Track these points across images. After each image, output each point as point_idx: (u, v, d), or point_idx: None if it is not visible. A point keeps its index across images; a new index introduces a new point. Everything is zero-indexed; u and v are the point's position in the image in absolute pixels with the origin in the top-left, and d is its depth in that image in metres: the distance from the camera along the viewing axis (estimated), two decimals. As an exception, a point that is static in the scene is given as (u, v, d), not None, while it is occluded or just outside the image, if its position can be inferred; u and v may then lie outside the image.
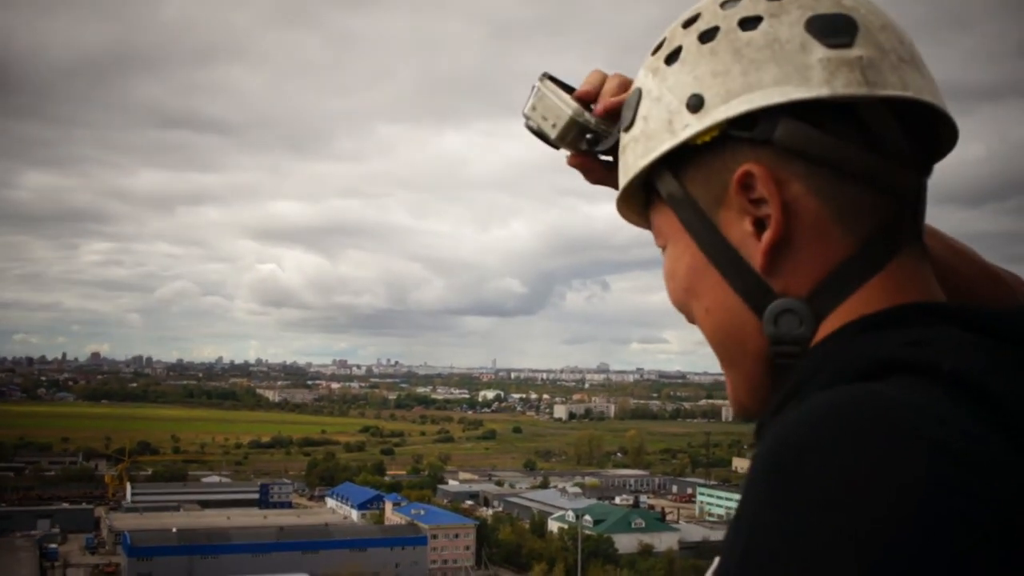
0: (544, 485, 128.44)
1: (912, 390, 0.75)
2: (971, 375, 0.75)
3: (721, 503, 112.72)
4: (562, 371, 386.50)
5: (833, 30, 0.91)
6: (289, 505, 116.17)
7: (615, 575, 77.49)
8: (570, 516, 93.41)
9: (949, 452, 0.69)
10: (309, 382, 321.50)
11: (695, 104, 0.94)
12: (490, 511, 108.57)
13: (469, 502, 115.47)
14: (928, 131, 0.94)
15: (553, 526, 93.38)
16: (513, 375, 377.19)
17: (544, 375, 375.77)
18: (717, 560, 0.86)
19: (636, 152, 0.99)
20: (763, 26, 0.93)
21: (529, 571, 78.82)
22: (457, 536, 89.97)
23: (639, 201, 1.05)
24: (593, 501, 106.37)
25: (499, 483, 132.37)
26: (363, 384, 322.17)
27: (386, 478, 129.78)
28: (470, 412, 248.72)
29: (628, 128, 1.01)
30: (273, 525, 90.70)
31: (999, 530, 0.67)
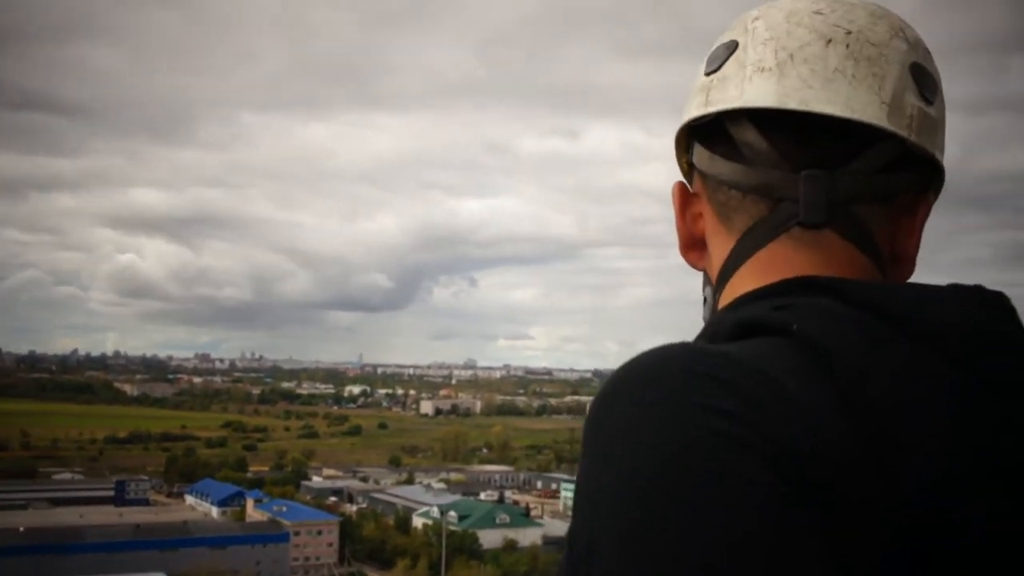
0: (409, 481, 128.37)
1: (751, 345, 0.85)
2: (813, 333, 0.84)
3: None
4: (429, 367, 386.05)
5: (712, 59, 1.07)
6: (146, 502, 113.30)
7: (479, 571, 77.80)
8: (435, 512, 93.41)
9: (726, 385, 0.79)
10: (170, 376, 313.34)
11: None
12: (354, 507, 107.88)
13: (333, 498, 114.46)
14: (820, 129, 0.99)
15: (418, 522, 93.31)
16: (380, 370, 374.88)
17: (411, 371, 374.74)
18: None
19: None
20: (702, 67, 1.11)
21: (393, 567, 78.54)
22: (320, 533, 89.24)
23: None
24: (458, 497, 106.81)
25: (364, 479, 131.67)
26: (226, 378, 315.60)
27: (248, 474, 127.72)
28: (335, 407, 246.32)
29: None
30: (129, 523, 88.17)
31: (758, 465, 0.74)
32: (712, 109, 1.04)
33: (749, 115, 1.02)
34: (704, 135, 1.07)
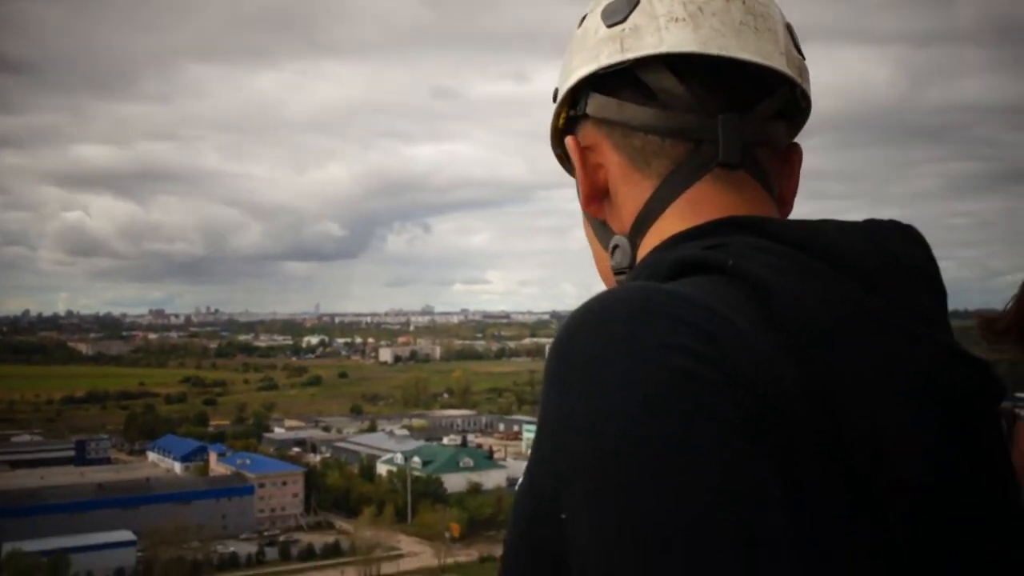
0: (371, 429, 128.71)
1: (693, 283, 0.90)
2: (749, 269, 0.89)
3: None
4: (386, 314, 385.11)
5: (612, 12, 1.11)
6: (108, 461, 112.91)
7: (444, 515, 78.49)
8: (398, 459, 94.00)
9: (683, 323, 0.82)
10: (124, 333, 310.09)
11: (553, 96, 1.18)
12: (318, 457, 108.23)
13: (296, 449, 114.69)
14: (733, 76, 1.07)
15: (382, 469, 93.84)
16: (337, 320, 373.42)
17: (368, 319, 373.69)
18: None
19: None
20: (585, 21, 1.15)
21: (359, 515, 79.01)
22: (285, 484, 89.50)
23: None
24: (421, 443, 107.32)
25: (326, 429, 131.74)
26: (182, 334, 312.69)
27: (209, 429, 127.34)
28: (294, 358, 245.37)
29: None
30: (91, 482, 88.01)
31: (724, 401, 0.78)
32: (630, 55, 1.07)
33: (665, 61, 1.07)
34: (605, 84, 1.11)
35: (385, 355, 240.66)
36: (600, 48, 1.11)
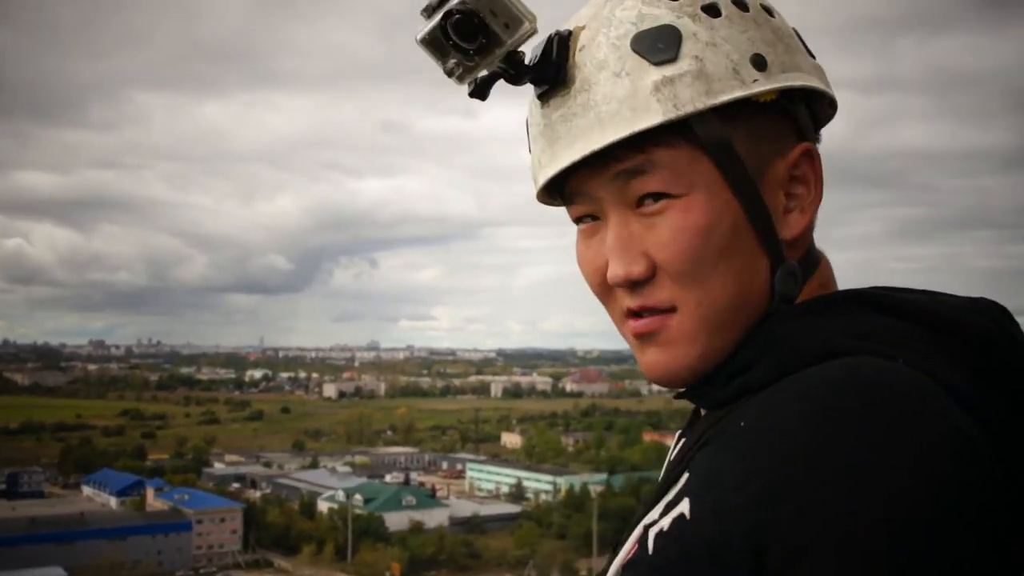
0: (314, 465, 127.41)
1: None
2: (921, 368, 0.89)
3: (491, 478, 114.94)
4: (331, 349, 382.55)
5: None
6: (41, 495, 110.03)
7: (385, 553, 77.77)
8: (340, 496, 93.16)
9: (962, 433, 0.85)
10: (63, 364, 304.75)
11: (759, 63, 1.02)
12: (258, 493, 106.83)
13: (236, 485, 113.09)
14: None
15: (323, 506, 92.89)
16: (281, 354, 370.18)
17: (313, 354, 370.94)
18: (672, 511, 0.94)
19: (695, 90, 0.99)
20: (777, 17, 1.07)
21: (298, 553, 78.05)
22: (223, 520, 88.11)
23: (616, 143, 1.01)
24: (363, 480, 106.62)
25: (267, 464, 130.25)
26: (122, 365, 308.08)
27: (148, 463, 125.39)
28: (237, 392, 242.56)
29: (665, 62, 1.00)
30: (23, 516, 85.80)
31: (992, 508, 0.83)
32: (821, 87, 1.08)
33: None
34: (811, 101, 1.08)
35: (329, 390, 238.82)
36: (820, 71, 1.09)
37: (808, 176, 1.04)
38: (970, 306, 0.99)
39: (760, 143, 1.02)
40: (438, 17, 1.01)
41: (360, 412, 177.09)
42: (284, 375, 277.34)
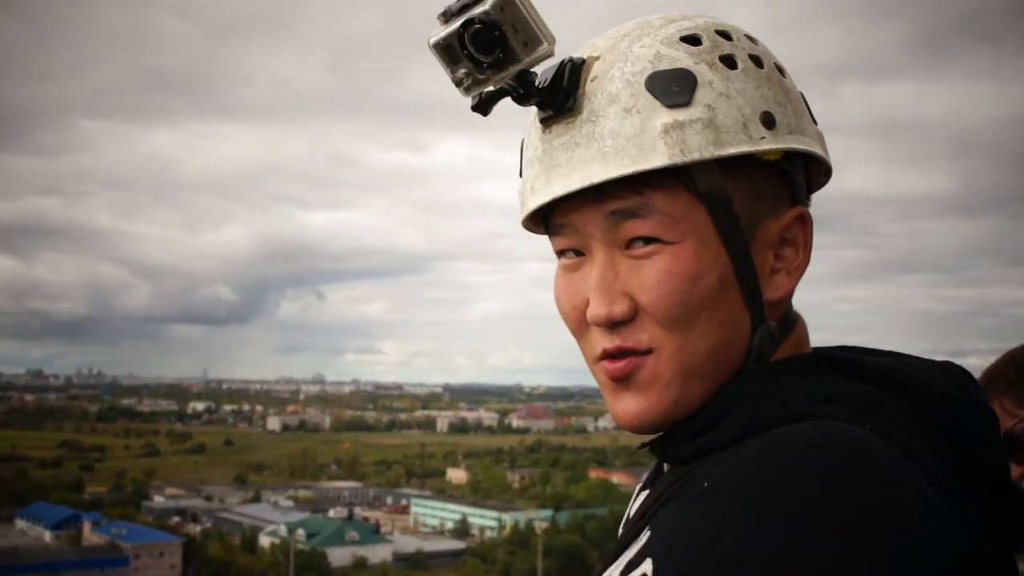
0: (256, 499, 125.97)
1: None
2: (886, 435, 0.90)
3: (435, 513, 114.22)
4: (276, 381, 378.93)
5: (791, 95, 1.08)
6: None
7: (328, 589, 76.85)
8: (282, 530, 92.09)
9: (926, 499, 0.85)
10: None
11: (769, 121, 1.01)
12: (198, 527, 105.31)
13: (176, 519, 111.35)
14: None
15: (265, 541, 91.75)
16: (225, 385, 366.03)
17: (258, 386, 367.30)
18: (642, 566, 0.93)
19: (704, 138, 0.98)
20: (788, 78, 1.07)
21: (239, 588, 76.83)
22: (162, 555, 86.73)
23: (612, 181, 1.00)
24: (307, 515, 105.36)
25: (208, 498, 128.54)
26: (61, 395, 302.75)
27: (85, 496, 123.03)
28: (178, 424, 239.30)
29: (677, 106, 0.99)
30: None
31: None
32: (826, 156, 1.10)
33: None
34: (804, 167, 1.09)
35: (273, 423, 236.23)
36: (822, 142, 1.09)
37: (798, 240, 1.05)
38: (937, 370, 1.00)
39: (757, 201, 1.02)
40: (457, 24, 0.97)
41: (304, 446, 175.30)
42: (227, 407, 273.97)
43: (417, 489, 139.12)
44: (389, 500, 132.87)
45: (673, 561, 0.87)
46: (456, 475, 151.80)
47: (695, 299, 0.99)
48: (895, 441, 0.88)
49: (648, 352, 1.00)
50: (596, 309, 1.00)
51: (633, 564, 0.93)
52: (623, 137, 0.98)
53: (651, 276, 0.99)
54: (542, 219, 1.08)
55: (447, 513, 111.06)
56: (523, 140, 1.08)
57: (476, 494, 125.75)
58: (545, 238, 1.08)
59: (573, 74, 1.01)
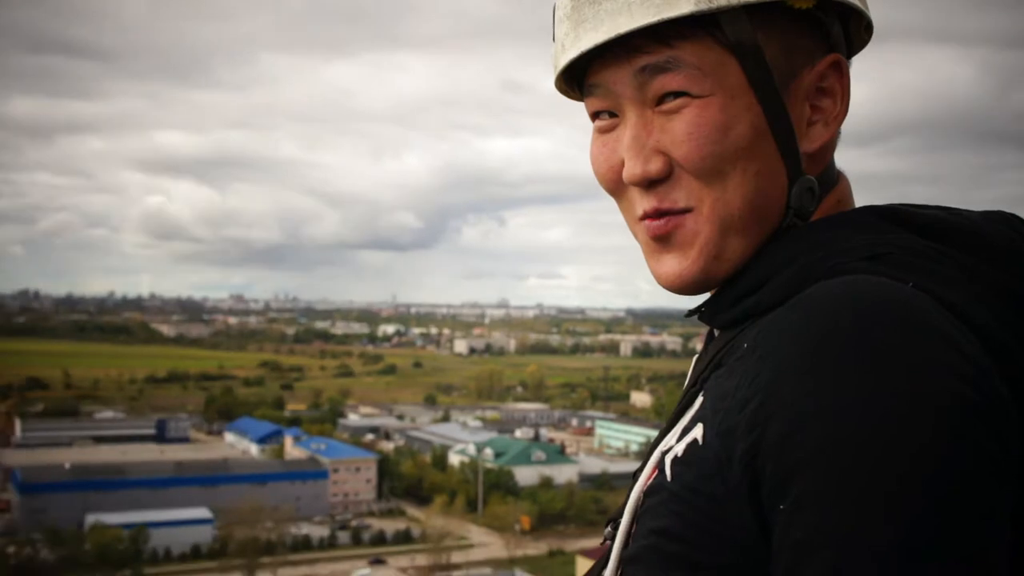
0: (445, 419, 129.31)
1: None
2: (930, 289, 0.86)
3: (619, 436, 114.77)
4: (462, 306, 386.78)
5: None
6: (187, 440, 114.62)
7: (515, 507, 78.59)
8: (471, 449, 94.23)
9: (959, 350, 0.81)
10: (205, 317, 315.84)
11: None
12: (391, 445, 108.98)
13: (370, 436, 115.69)
14: None
15: (454, 459, 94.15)
16: (413, 310, 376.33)
17: (444, 310, 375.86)
18: (691, 431, 0.94)
19: None
20: None
21: (430, 504, 79.41)
22: (358, 470, 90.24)
23: (642, 34, 0.97)
24: (494, 435, 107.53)
25: (400, 417, 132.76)
26: (261, 319, 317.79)
27: (286, 413, 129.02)
28: (370, 347, 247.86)
29: None
30: (170, 460, 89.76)
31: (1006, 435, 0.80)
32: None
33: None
34: (838, 14, 1.04)
35: (460, 346, 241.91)
36: None
37: (835, 89, 1.01)
38: (992, 218, 0.99)
39: (790, 52, 0.99)
40: None
41: (490, 368, 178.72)
42: (416, 330, 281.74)
43: (601, 412, 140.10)
44: (574, 422, 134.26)
45: (715, 423, 0.88)
46: (640, 398, 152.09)
47: (727, 150, 0.97)
48: (939, 296, 0.85)
49: (686, 211, 0.99)
50: (631, 169, 0.99)
51: (687, 430, 0.94)
52: None
53: (681, 130, 0.97)
54: (576, 82, 1.08)
55: (631, 436, 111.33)
56: (555, 2, 1.06)
57: (660, 417, 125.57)
58: None
59: None
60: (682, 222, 0.99)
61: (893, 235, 0.93)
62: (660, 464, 0.95)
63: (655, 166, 0.98)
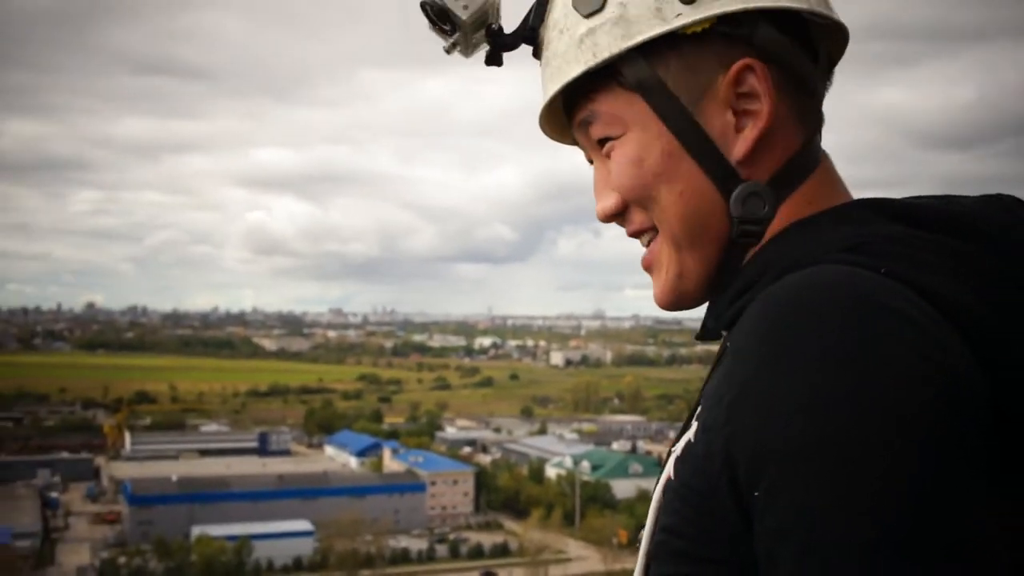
0: (542, 431, 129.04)
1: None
2: (907, 276, 0.87)
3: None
4: (557, 317, 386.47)
5: None
6: (288, 453, 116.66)
7: (613, 520, 78.02)
8: (568, 462, 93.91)
9: (922, 331, 0.82)
10: (305, 330, 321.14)
11: None
12: (488, 458, 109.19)
13: (467, 449, 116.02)
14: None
15: (551, 472, 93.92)
16: (509, 322, 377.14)
17: (540, 322, 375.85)
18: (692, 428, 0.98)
19: (612, 35, 1.04)
20: None
21: (527, 517, 79.33)
22: (456, 483, 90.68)
23: (576, 94, 1.09)
24: (590, 447, 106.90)
25: (497, 430, 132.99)
26: (359, 332, 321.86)
27: (384, 426, 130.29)
28: (467, 359, 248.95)
29: (592, 13, 1.05)
30: (272, 473, 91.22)
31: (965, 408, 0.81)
32: (831, 14, 1.07)
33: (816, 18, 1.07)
34: (777, 20, 1.05)
35: (556, 358, 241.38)
36: None
37: (756, 90, 1.02)
38: (986, 201, 1.00)
39: (696, 72, 1.03)
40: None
41: (587, 380, 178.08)
42: (512, 343, 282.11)
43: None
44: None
45: (701, 420, 0.93)
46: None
47: (646, 178, 1.05)
48: (911, 279, 0.87)
49: (654, 229, 1.09)
50: (597, 209, 1.11)
51: (686, 429, 1.00)
52: (559, 56, 1.08)
53: (613, 168, 1.07)
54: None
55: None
56: None
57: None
58: None
59: (538, 12, 1.12)
60: (657, 248, 1.09)
61: (878, 225, 0.95)
62: (668, 465, 1.01)
63: (611, 203, 1.09)
